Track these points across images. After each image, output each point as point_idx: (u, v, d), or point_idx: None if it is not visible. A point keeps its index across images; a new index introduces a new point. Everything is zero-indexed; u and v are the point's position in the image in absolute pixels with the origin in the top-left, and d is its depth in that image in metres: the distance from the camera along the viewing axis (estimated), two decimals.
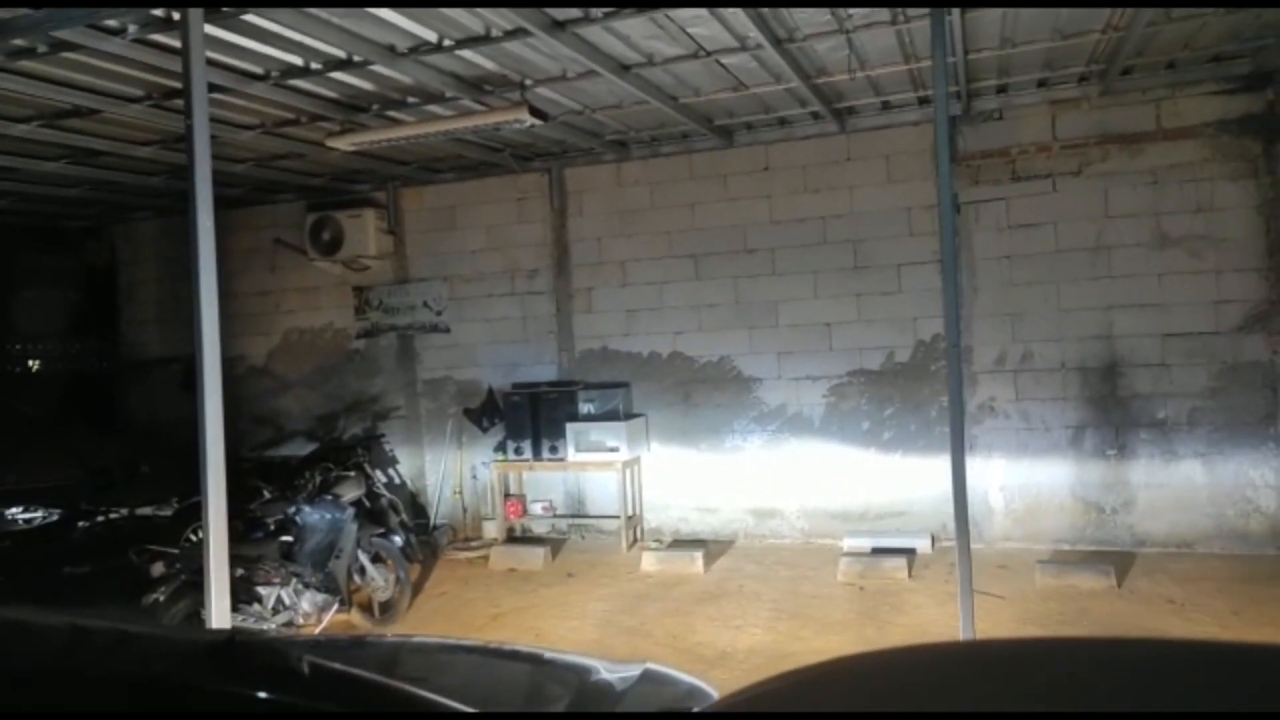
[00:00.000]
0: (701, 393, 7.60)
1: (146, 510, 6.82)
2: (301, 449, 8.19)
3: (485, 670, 2.31)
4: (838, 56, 5.52)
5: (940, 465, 6.88)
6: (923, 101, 6.60)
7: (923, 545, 6.76)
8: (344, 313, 8.70)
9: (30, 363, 9.08)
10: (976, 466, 6.85)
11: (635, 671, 2.12)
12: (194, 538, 6.56)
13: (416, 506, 8.40)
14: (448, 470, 8.33)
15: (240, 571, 4.94)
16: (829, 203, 7.21)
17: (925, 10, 4.65)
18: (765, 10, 4.68)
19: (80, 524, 6.87)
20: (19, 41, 4.38)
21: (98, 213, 8.95)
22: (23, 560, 6.17)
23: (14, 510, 6.03)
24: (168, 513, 6.73)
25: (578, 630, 5.56)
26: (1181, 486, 6.42)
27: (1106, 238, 6.56)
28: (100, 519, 6.90)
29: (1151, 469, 6.48)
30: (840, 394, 7.25)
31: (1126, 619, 5.17)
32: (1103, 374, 6.60)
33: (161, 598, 4.50)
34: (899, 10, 4.86)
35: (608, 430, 7.36)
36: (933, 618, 5.38)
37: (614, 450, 7.32)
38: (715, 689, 2.20)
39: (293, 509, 5.54)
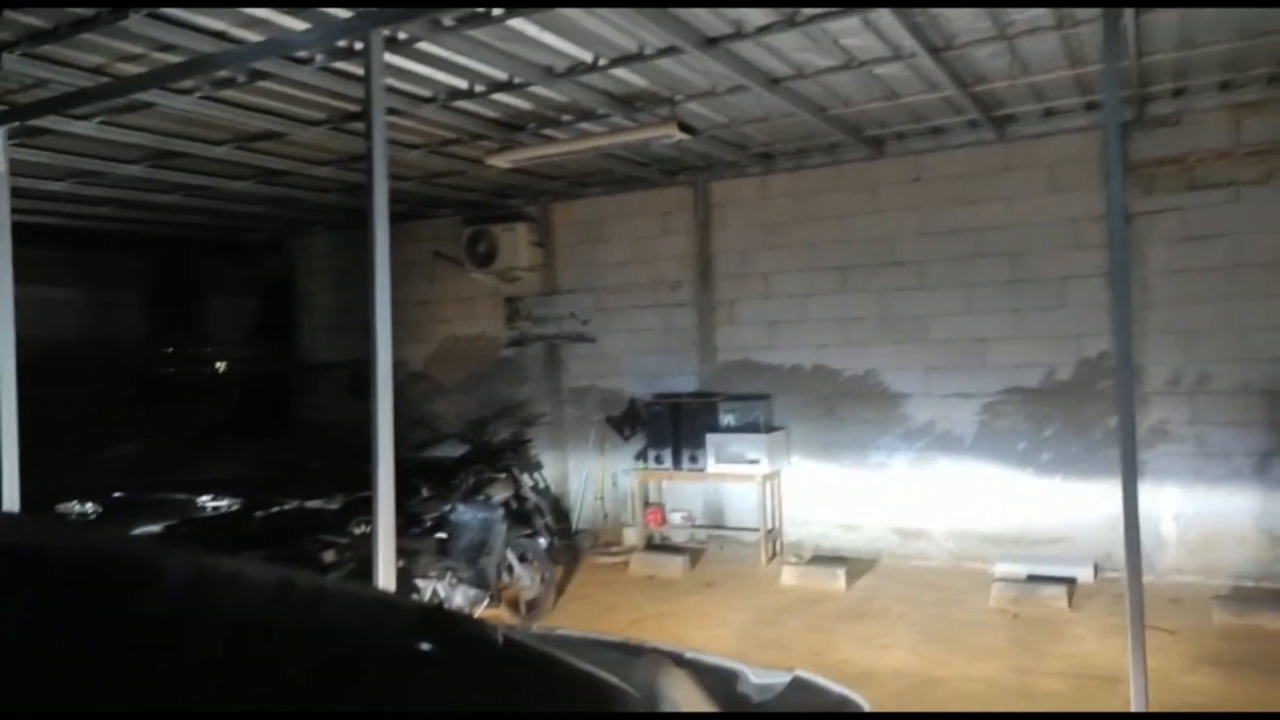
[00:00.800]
0: (845, 407, 7.48)
1: (315, 503, 7.31)
2: (454, 450, 8.54)
3: (629, 663, 2.37)
4: (998, 63, 5.34)
5: (1104, 490, 6.54)
6: (1089, 107, 6.29)
7: (1084, 574, 6.39)
8: (496, 322, 9.07)
9: (217, 364, 9.91)
10: (1147, 493, 6.40)
11: (784, 679, 2.14)
12: (358, 530, 7.02)
13: (559, 511, 8.63)
14: (590, 476, 8.53)
15: (401, 563, 5.23)
16: (984, 214, 6.96)
17: (1095, 12, 4.45)
18: (922, 18, 4.60)
19: (257, 514, 7.45)
20: (223, 73, 4.83)
21: (277, 228, 9.71)
22: (208, 543, 6.73)
23: (204, 498, 6.60)
24: (335, 506, 7.18)
25: (718, 639, 5.57)
26: None
27: None
28: (275, 510, 7.45)
29: None
30: (994, 412, 6.97)
31: None
32: None
33: None
34: (1065, 12, 4.66)
35: (748, 442, 7.36)
36: (1094, 650, 5.09)
37: (754, 462, 7.30)
38: (866, 700, 2.18)
39: (448, 507, 5.82)
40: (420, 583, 5.24)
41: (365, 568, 5.02)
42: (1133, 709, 2.94)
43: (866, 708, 2.13)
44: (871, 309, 7.38)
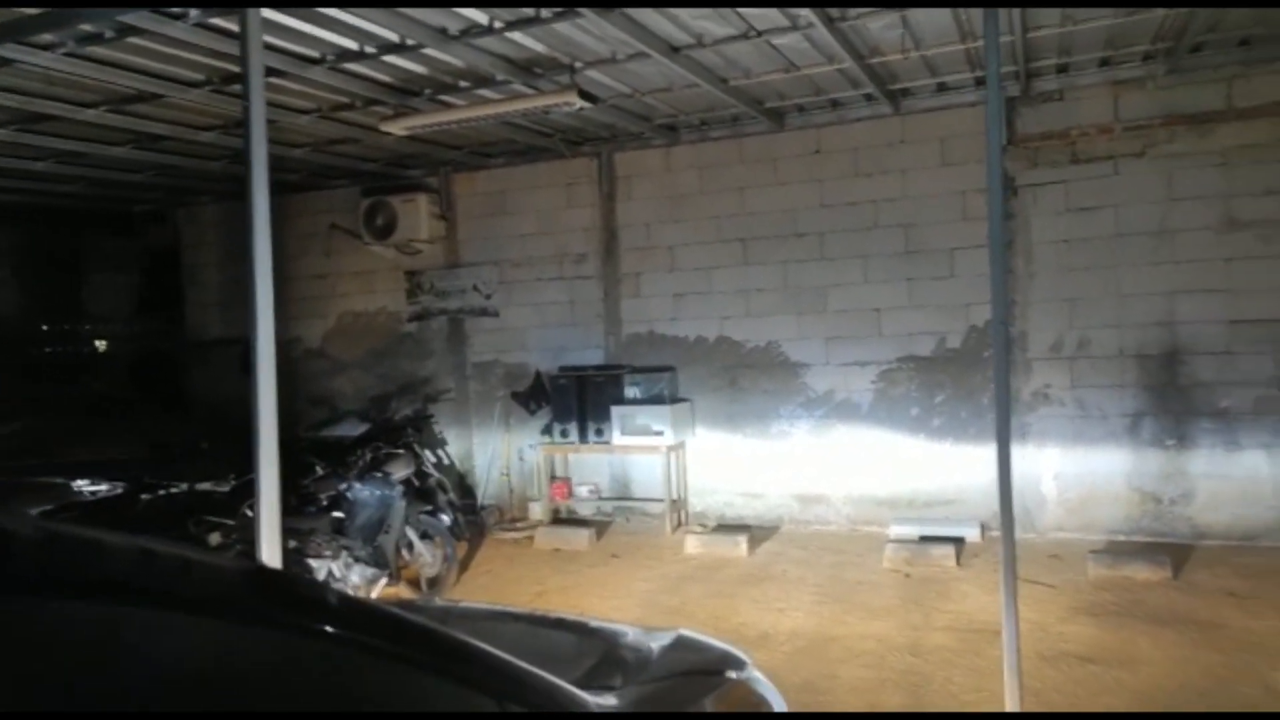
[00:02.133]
0: (748, 378, 7.57)
1: (206, 485, 7.01)
2: (355, 429, 8.33)
3: (522, 631, 2.35)
4: (891, 36, 5.43)
5: (991, 453, 6.74)
6: (979, 83, 6.47)
7: (972, 534, 6.65)
8: (396, 296, 8.85)
9: (98, 343, 9.41)
10: (1030, 455, 6.74)
11: (669, 637, 2.14)
12: (249, 511, 6.77)
13: (464, 487, 8.53)
14: (495, 452, 8.43)
15: (293, 544, 5.07)
16: (881, 186, 7.11)
17: None
18: None
19: (144, 496, 7.12)
20: (87, 27, 4.53)
21: (161, 197, 9.23)
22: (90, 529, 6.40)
23: (81, 482, 6.25)
24: (226, 488, 6.91)
25: (621, 609, 5.59)
26: (1245, 478, 6.22)
27: (1171, 221, 6.37)
28: (162, 492, 7.12)
29: (1213, 459, 6.29)
30: (890, 380, 7.16)
31: (1183, 610, 5.04)
32: (1163, 361, 6.42)
33: None
34: None
35: (653, 414, 7.38)
36: (979, 605, 5.30)
37: (659, 434, 7.34)
38: (747, 655, 2.21)
39: (344, 485, 5.67)
40: (313, 562, 5.10)
41: (252, 550, 4.86)
42: (1005, 658, 3.06)
43: (748, 661, 2.15)
44: (774, 280, 7.47)
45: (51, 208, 8.79)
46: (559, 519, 7.92)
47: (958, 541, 6.48)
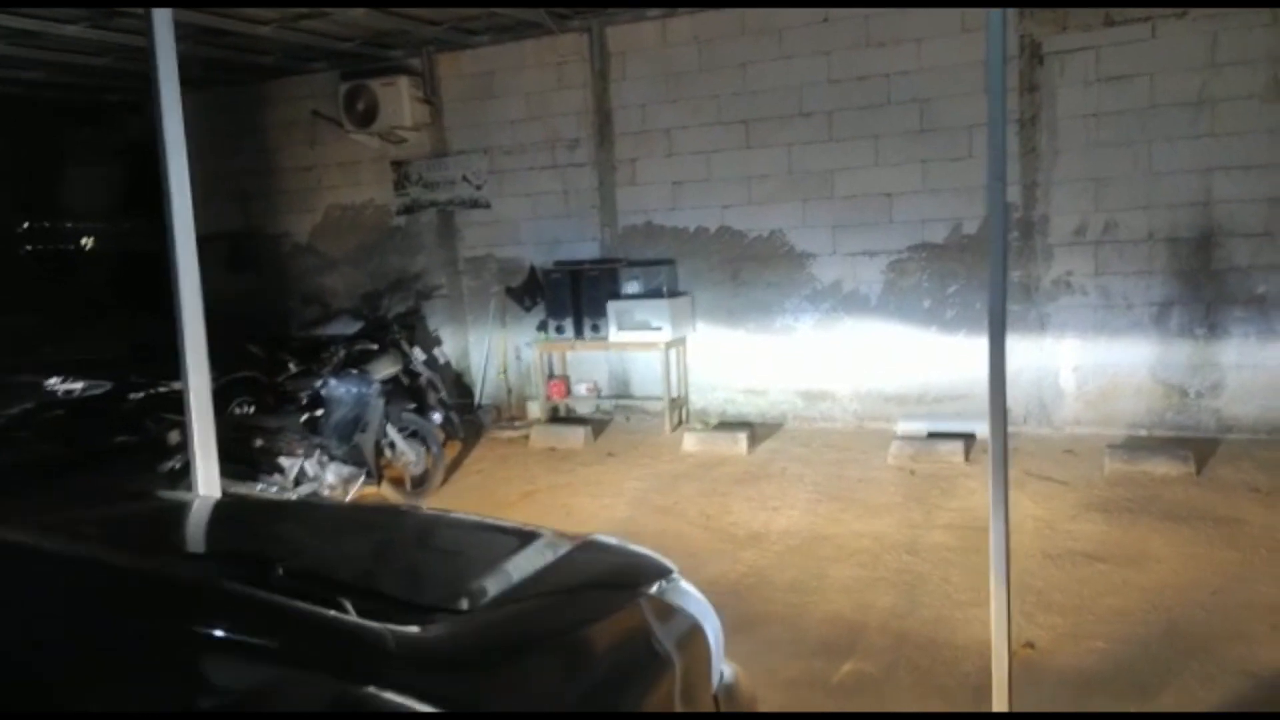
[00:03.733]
0: (750, 270, 7.17)
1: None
2: (348, 327, 8.07)
3: (435, 531, 2.07)
4: None
5: (1007, 345, 6.41)
6: None
7: (983, 429, 6.30)
8: (384, 189, 8.44)
9: (84, 240, 9.13)
10: (1048, 347, 6.36)
11: (573, 544, 1.86)
12: (237, 410, 6.58)
13: (462, 386, 8.30)
14: (492, 350, 8.16)
15: (260, 442, 4.86)
16: (895, 58, 6.53)
17: None
18: None
19: (131, 396, 6.95)
20: None
21: (135, 85, 8.77)
22: (79, 428, 6.23)
23: (53, 380, 6.05)
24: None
25: (610, 508, 5.39)
26: (1278, 368, 5.82)
27: (1211, 90, 5.79)
28: (150, 392, 6.95)
29: (1245, 349, 5.88)
30: (900, 270, 6.74)
31: (1201, 506, 4.73)
32: (1195, 245, 5.95)
33: (177, 465, 4.43)
34: None
35: (650, 309, 7.04)
36: (984, 502, 4.98)
37: (657, 330, 7.00)
38: (673, 564, 1.92)
39: (319, 382, 5.42)
40: (285, 461, 4.88)
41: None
42: (991, 558, 2.77)
43: (673, 570, 1.86)
44: (778, 165, 6.98)
45: (22, 98, 8.37)
46: (557, 418, 7.68)
47: (968, 438, 6.18)
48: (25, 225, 8.58)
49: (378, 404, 5.45)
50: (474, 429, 7.58)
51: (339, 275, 8.76)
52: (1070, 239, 6.24)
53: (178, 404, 5.85)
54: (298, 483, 4.94)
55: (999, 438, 2.64)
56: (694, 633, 1.65)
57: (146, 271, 9.47)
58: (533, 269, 7.76)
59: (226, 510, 2.25)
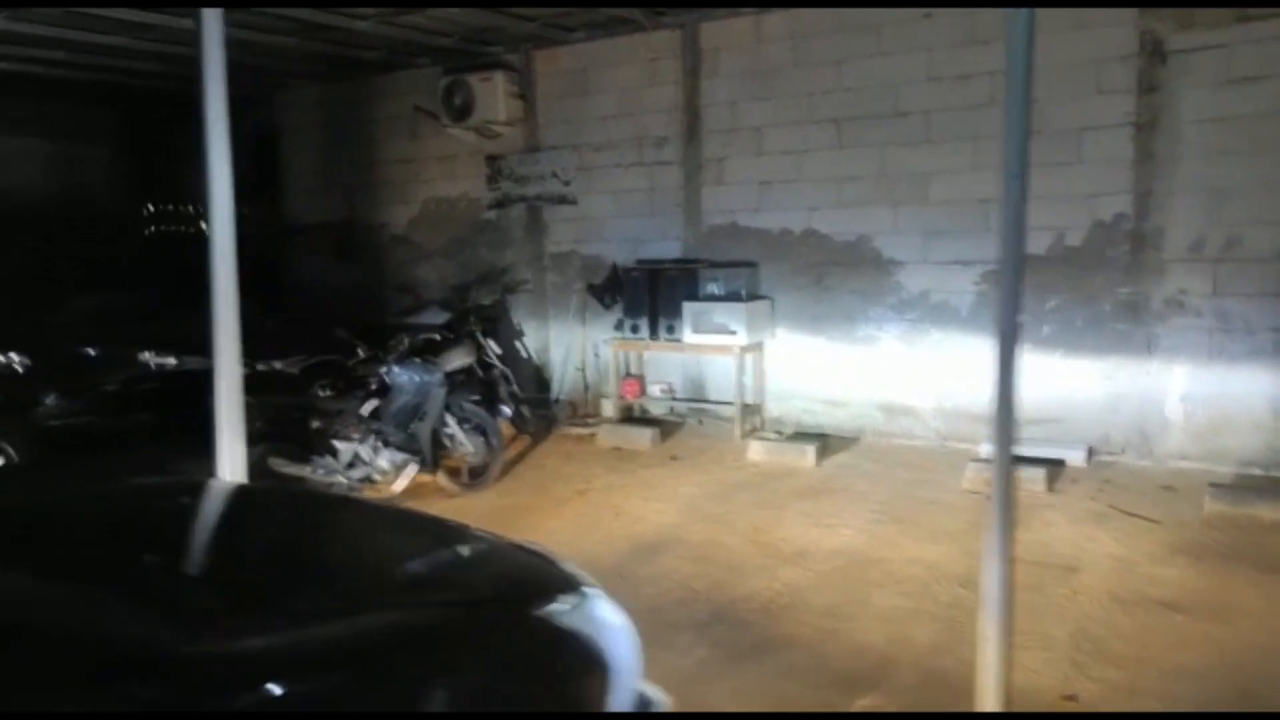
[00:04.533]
0: (835, 276, 6.88)
1: (278, 365, 7.10)
2: (437, 317, 8.24)
3: (356, 526, 1.99)
4: None
5: (1107, 368, 5.96)
6: None
7: (1075, 457, 5.87)
8: (477, 183, 8.57)
9: (203, 225, 9.64)
10: (1155, 371, 5.83)
11: (498, 547, 1.73)
12: (322, 393, 6.79)
13: (541, 381, 8.33)
14: (571, 346, 8.15)
15: (317, 424, 4.97)
16: (999, 56, 6.04)
17: None
18: None
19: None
20: None
21: (254, 80, 9.21)
22: (165, 400, 6.55)
23: (146, 354, 6.38)
24: (295, 369, 6.96)
25: (660, 513, 5.26)
26: None
27: None
28: (247, 370, 7.27)
29: None
30: (994, 281, 6.28)
31: None
32: None
33: None
34: None
35: (727, 312, 6.86)
36: (1060, 536, 4.63)
37: (732, 334, 6.82)
38: (590, 581, 1.78)
39: (383, 369, 5.51)
40: (339, 444, 4.98)
41: (270, 430, 4.78)
42: (985, 602, 2.51)
43: (587, 592, 1.71)
44: (869, 166, 6.67)
45: (150, 90, 8.92)
46: (631, 418, 7.60)
47: (1056, 464, 5.74)
48: (150, 208, 9.12)
49: (438, 393, 5.50)
50: (547, 424, 7.59)
51: (432, 266, 8.95)
52: (1186, 254, 5.70)
53: (265, 382, 6.07)
54: (351, 466, 5.04)
55: (1004, 467, 2.40)
56: (587, 656, 1.50)
57: (258, 256, 9.97)
58: (614, 267, 7.70)
59: (195, 496, 2.23)
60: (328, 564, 1.69)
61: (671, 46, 7.35)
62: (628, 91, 7.63)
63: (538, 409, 7.74)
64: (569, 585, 1.67)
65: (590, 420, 7.68)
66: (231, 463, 3.31)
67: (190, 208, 9.50)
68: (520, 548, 1.87)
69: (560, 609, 1.57)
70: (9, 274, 7.05)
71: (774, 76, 6.95)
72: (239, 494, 2.07)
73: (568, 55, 7.89)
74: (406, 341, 5.68)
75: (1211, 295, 5.65)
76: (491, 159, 8.41)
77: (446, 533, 1.89)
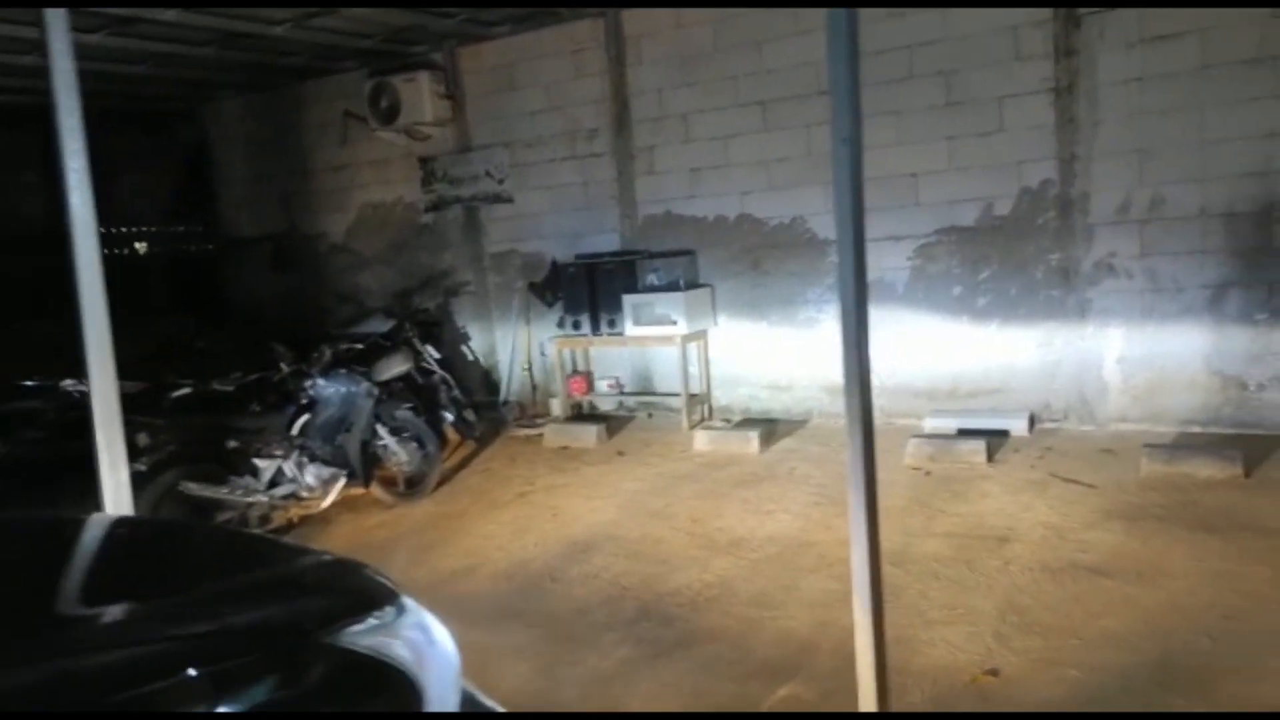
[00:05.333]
0: (772, 259, 6.82)
1: (214, 385, 6.93)
2: (382, 326, 8.10)
3: (139, 545, 1.84)
4: None
5: (1044, 335, 5.94)
6: None
7: (1018, 426, 5.85)
8: (412, 186, 8.43)
9: (137, 245, 9.45)
10: (1090, 336, 5.82)
11: (299, 562, 1.63)
12: (254, 409, 6.63)
13: (490, 383, 8.22)
14: (517, 346, 8.04)
15: (234, 444, 4.84)
16: (917, 27, 6.07)
17: None
18: None
19: (172, 395, 7.12)
20: None
21: (182, 93, 9.02)
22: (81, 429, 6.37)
23: (68, 381, 6.19)
24: (230, 387, 6.80)
25: (597, 511, 5.17)
26: None
27: (1272, 44, 5.15)
28: (183, 391, 7.10)
29: None
30: (927, 256, 6.28)
31: (1244, 515, 4.19)
32: (1256, 220, 5.31)
33: (144, 468, 4.44)
34: None
35: (667, 303, 6.78)
36: (996, 508, 4.59)
37: (673, 324, 6.74)
38: (399, 597, 1.68)
39: (307, 382, 5.38)
40: (260, 463, 4.85)
41: (184, 451, 4.64)
42: (854, 574, 2.45)
43: (393, 605, 1.60)
44: (797, 147, 6.61)
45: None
46: (580, 415, 7.51)
47: (999, 435, 5.73)
48: None
49: (365, 404, 5.38)
50: (495, 427, 7.48)
51: (372, 274, 8.81)
52: (1113, 217, 5.68)
53: (217, 402, 5.88)
54: (274, 484, 4.91)
55: (859, 447, 2.32)
56: (384, 680, 1.40)
57: (196, 273, 9.79)
58: (554, 263, 7.60)
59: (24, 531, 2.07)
60: (94, 597, 1.54)
61: (595, 36, 7.25)
62: (555, 85, 7.53)
63: (486, 412, 7.64)
64: (377, 603, 1.56)
65: (539, 420, 7.58)
66: (114, 491, 3.16)
67: (122, 229, 9.27)
68: (341, 564, 1.76)
69: (358, 630, 1.45)
70: None
71: (698, 61, 6.87)
72: (64, 527, 1.95)
73: (492, 51, 7.76)
74: (328, 352, 5.54)
75: (1140, 256, 5.64)
76: (424, 161, 8.28)
77: (260, 555, 1.79)
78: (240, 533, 2.21)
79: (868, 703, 2.32)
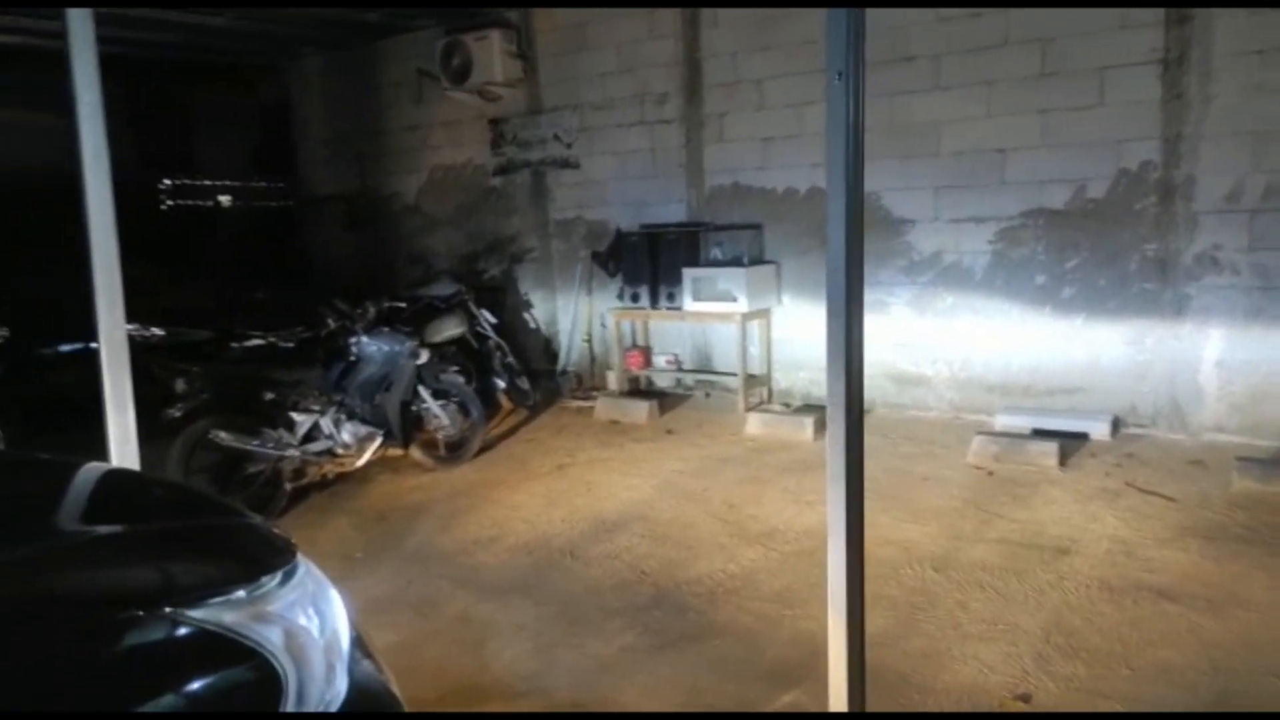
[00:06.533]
0: None
1: (273, 338, 7.02)
2: (447, 289, 8.08)
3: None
4: None
5: (1134, 332, 5.46)
6: None
7: (1098, 430, 5.38)
8: (482, 148, 8.33)
9: (220, 198, 9.65)
10: (1186, 335, 5.30)
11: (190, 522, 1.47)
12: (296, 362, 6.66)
13: (549, 352, 8.11)
14: (578, 316, 7.89)
15: (270, 396, 4.82)
16: None
17: None
18: None
19: (234, 345, 7.25)
20: None
21: (265, 48, 9.12)
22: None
23: (132, 326, 6.32)
24: (291, 342, 6.86)
25: (635, 489, 4.99)
26: None
27: None
28: (250, 343, 7.22)
29: None
30: (1011, 239, 5.83)
31: None
32: None
33: (178, 413, 4.46)
34: None
35: (729, 278, 6.50)
36: (1059, 516, 4.20)
37: (734, 301, 6.46)
38: (285, 563, 1.50)
39: (351, 339, 5.34)
40: (296, 416, 4.82)
41: (219, 401, 4.64)
42: (831, 594, 2.18)
43: (267, 574, 1.42)
44: (876, 117, 6.11)
45: (161, 60, 8.88)
46: (636, 390, 7.31)
47: (1076, 438, 5.28)
48: (166, 182, 9.14)
49: (407, 364, 5.31)
50: (550, 397, 7.37)
51: (441, 236, 8.78)
52: (1221, 205, 5.13)
53: (274, 355, 5.91)
54: (311, 439, 4.88)
55: (842, 436, 2.05)
56: (239, 659, 1.22)
57: (274, 228, 9.95)
58: (618, 232, 7.39)
59: None
60: None
61: None
62: (627, 45, 7.28)
63: (543, 381, 7.53)
64: (252, 575, 1.38)
65: (595, 393, 7.42)
66: (119, 433, 3.13)
67: (205, 182, 9.49)
68: (241, 528, 1.60)
69: (217, 603, 1.27)
70: (21, 248, 7.11)
71: (775, 22, 6.52)
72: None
73: (566, 10, 7.55)
74: (373, 310, 5.49)
75: (1249, 250, 5.08)
76: (494, 123, 8.17)
77: (165, 511, 1.65)
78: (164, 482, 2.09)
79: (838, 703, 2.09)
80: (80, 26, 3.07)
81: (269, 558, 1.42)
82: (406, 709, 1.59)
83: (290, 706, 1.22)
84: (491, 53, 7.55)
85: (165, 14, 7.35)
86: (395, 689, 1.58)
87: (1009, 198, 5.80)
